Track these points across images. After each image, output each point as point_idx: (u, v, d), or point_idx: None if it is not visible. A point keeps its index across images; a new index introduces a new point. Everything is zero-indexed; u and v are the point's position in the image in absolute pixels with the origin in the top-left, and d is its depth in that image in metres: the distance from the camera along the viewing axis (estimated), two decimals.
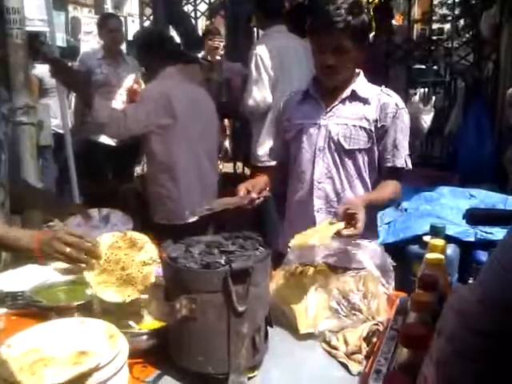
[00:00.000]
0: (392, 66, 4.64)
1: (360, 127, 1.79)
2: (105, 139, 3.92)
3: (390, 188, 1.80)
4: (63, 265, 1.68)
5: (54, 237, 1.35)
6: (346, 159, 1.82)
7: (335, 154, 1.82)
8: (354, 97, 1.81)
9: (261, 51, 3.06)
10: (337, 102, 1.82)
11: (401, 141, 1.80)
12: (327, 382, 1.23)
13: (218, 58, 4.72)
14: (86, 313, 1.36)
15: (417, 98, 4.55)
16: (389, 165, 1.81)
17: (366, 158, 1.82)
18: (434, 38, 6.69)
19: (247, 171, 5.11)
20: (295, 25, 3.36)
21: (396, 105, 1.80)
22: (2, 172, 1.62)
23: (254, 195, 1.71)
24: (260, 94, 3.07)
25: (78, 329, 1.22)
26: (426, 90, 5.33)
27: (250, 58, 3.11)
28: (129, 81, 4.12)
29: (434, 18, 7.73)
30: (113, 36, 4.07)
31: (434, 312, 0.89)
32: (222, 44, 4.90)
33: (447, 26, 11.15)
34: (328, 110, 1.83)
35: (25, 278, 1.61)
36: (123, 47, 5.13)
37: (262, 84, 3.06)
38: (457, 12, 7.04)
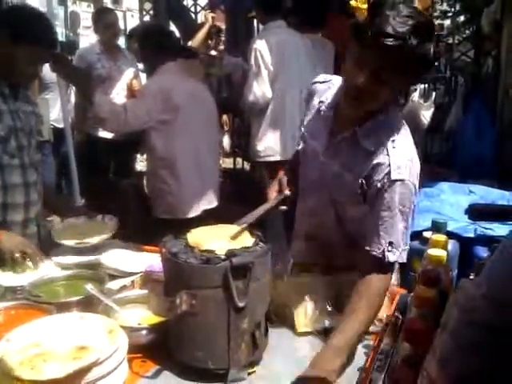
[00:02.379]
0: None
1: (347, 181, 1.42)
2: (105, 134, 3.92)
3: (360, 308, 1.27)
4: (63, 260, 1.69)
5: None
6: (333, 205, 1.51)
7: (324, 194, 1.51)
8: (355, 142, 1.41)
9: (260, 46, 3.05)
10: (339, 139, 1.45)
11: (384, 224, 1.33)
12: None
13: (214, 52, 4.69)
14: (84, 308, 1.36)
15: (417, 94, 4.52)
16: (366, 248, 1.36)
17: (353, 214, 1.47)
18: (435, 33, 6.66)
19: (247, 167, 5.12)
20: (301, 20, 3.35)
21: (388, 174, 1.33)
22: (31, 154, 1.88)
23: (287, 192, 1.57)
24: (260, 90, 3.06)
25: (78, 324, 1.22)
26: (426, 85, 5.30)
27: (250, 53, 3.11)
28: (129, 74, 4.11)
29: (434, 13, 7.70)
30: (109, 31, 4.05)
31: (436, 307, 0.89)
32: (221, 38, 4.85)
33: (447, 22, 11.14)
34: (329, 143, 1.48)
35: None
36: (122, 42, 5.11)
37: (262, 79, 3.05)
38: (457, 8, 7.01)
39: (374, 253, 1.33)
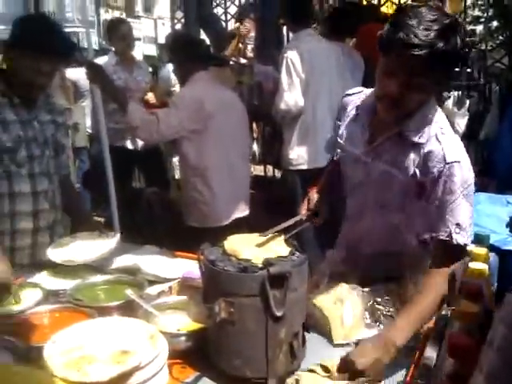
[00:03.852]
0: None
1: (396, 178, 1.44)
2: (128, 144, 3.97)
3: (431, 296, 1.32)
4: (104, 265, 1.74)
5: None
6: (380, 205, 1.51)
7: (370, 196, 1.53)
8: (401, 139, 1.43)
9: (292, 55, 3.07)
10: (382, 140, 1.47)
11: (449, 207, 1.35)
12: None
13: (244, 60, 4.72)
14: (124, 312, 1.39)
15: (451, 101, 4.46)
16: (432, 235, 1.39)
17: (403, 212, 1.48)
18: (467, 39, 6.57)
19: (277, 174, 5.12)
20: (331, 29, 3.36)
21: (443, 158, 1.36)
22: (44, 164, 1.90)
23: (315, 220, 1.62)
24: (292, 98, 3.07)
25: (119, 328, 1.25)
26: (460, 93, 5.22)
27: (281, 62, 3.12)
28: (144, 84, 4.15)
29: (466, 19, 7.59)
30: (124, 42, 4.07)
31: (480, 322, 0.88)
32: (249, 46, 4.87)
33: (480, 28, 10.95)
34: (371, 145, 1.50)
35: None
36: (154, 50, 5.18)
37: (294, 88, 3.06)
38: (490, 13, 6.89)
39: (441, 237, 1.35)
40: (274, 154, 4.54)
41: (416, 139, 1.41)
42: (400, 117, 1.41)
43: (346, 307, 1.41)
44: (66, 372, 1.06)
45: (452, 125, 3.91)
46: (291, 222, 1.53)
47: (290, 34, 5.49)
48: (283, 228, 1.44)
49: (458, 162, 1.35)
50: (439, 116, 1.44)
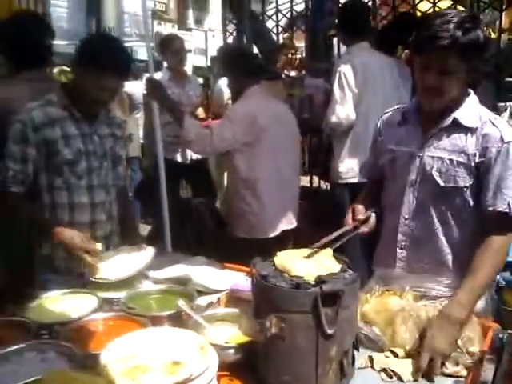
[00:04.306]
0: (480, 81, 4.44)
1: (458, 162, 1.57)
2: (178, 157, 4.04)
3: (487, 263, 1.48)
4: (156, 274, 1.78)
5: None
6: (440, 197, 1.62)
7: (427, 190, 1.63)
8: (455, 126, 1.59)
9: (344, 69, 3.05)
10: (436, 131, 1.62)
11: (506, 181, 1.52)
12: None
13: (293, 72, 4.72)
14: (175, 323, 1.42)
15: (507, 113, 4.30)
16: (489, 209, 1.53)
17: (466, 198, 1.59)
18: None
19: (323, 185, 5.08)
20: (382, 42, 3.32)
21: (501, 138, 1.53)
22: (102, 176, 1.99)
23: (360, 217, 1.68)
24: (343, 112, 3.05)
25: (171, 338, 1.27)
26: None
27: (334, 76, 3.11)
28: (195, 99, 4.22)
29: None
30: (178, 57, 4.14)
31: None
32: (297, 56, 4.86)
33: None
34: (425, 139, 1.64)
35: None
36: (204, 61, 5.27)
37: (346, 101, 3.05)
38: None
39: (500, 208, 1.51)
40: (320, 165, 4.51)
41: (471, 124, 1.57)
42: (445, 107, 1.58)
43: (398, 325, 1.38)
44: (122, 380, 1.09)
45: None
46: (338, 232, 1.55)
47: (341, 46, 5.49)
48: (331, 240, 1.47)
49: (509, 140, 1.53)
50: (483, 108, 1.63)
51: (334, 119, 3.07)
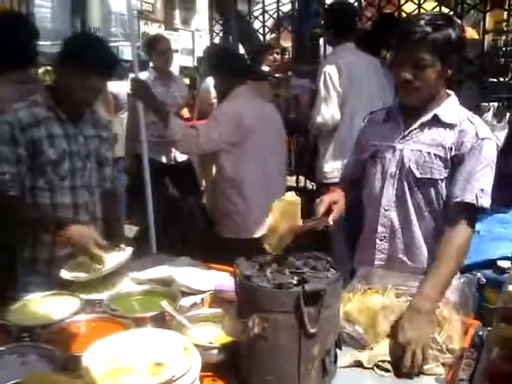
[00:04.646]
0: (464, 81, 4.48)
1: (435, 155, 1.65)
2: (163, 158, 4.01)
3: (451, 256, 1.53)
4: (139, 275, 1.77)
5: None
6: (416, 188, 1.69)
7: (405, 182, 1.70)
8: (435, 121, 1.68)
9: (329, 69, 3.07)
10: (416, 126, 1.71)
11: (476, 174, 1.59)
12: None
13: (279, 73, 4.71)
14: (158, 323, 1.41)
15: (490, 113, 4.34)
16: (457, 200, 1.59)
17: (439, 190, 1.67)
18: (509, 48, 6.38)
19: (309, 185, 5.11)
20: (366, 43, 3.34)
21: (476, 134, 1.62)
22: (86, 177, 1.96)
23: (330, 222, 1.64)
24: (328, 112, 3.07)
25: (153, 339, 1.27)
26: (500, 104, 5.07)
27: (319, 76, 3.13)
28: (180, 100, 4.19)
29: (509, 28, 7.39)
30: (164, 57, 4.12)
31: None
32: (285, 57, 4.84)
33: None
34: (406, 133, 1.72)
35: None
36: (191, 61, 5.26)
37: (331, 101, 3.06)
38: None
39: (468, 200, 1.58)
40: (305, 166, 4.53)
41: (450, 121, 1.66)
42: (424, 103, 1.67)
43: (380, 323, 1.39)
44: (104, 382, 1.08)
45: None
46: (311, 223, 1.56)
47: (328, 46, 5.52)
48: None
49: (489, 139, 1.62)
50: (463, 108, 1.73)
51: (319, 119, 3.09)
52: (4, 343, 1.28)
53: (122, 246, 1.84)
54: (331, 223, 1.63)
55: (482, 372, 0.99)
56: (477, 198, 1.57)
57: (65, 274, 1.73)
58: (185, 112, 4.13)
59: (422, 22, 1.58)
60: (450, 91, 1.72)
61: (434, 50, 1.57)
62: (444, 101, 1.69)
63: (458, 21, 1.70)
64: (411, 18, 1.66)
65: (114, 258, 1.76)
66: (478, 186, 1.58)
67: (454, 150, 1.63)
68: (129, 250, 1.82)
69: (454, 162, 1.64)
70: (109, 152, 2.10)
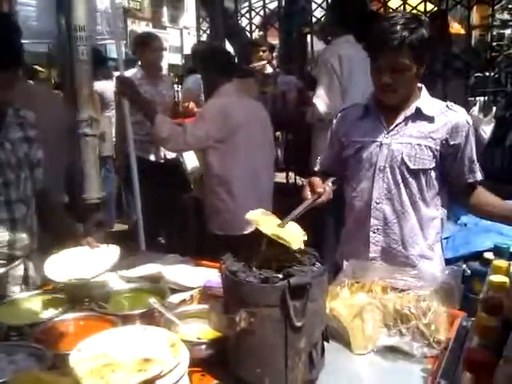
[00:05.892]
0: (450, 76, 4.53)
1: (425, 146, 1.75)
2: (151, 156, 4.00)
3: (491, 197, 1.84)
4: (127, 273, 1.78)
5: None
6: (410, 179, 1.78)
7: (397, 174, 1.78)
8: (418, 115, 1.77)
9: (332, 59, 3.01)
10: (400, 120, 1.79)
11: (473, 156, 1.79)
12: None
13: (268, 69, 4.69)
14: (147, 320, 1.42)
15: (476, 108, 4.39)
16: (469, 181, 1.80)
17: (428, 178, 1.79)
18: (494, 44, 6.44)
19: (299, 181, 5.13)
20: (360, 35, 3.32)
21: (467, 122, 1.77)
22: (21, 189, 1.72)
23: (320, 189, 1.63)
24: (332, 101, 3.00)
25: (141, 336, 1.28)
26: (486, 98, 5.13)
27: (320, 66, 3.07)
28: (168, 98, 4.17)
29: (494, 23, 7.45)
30: (156, 55, 4.09)
31: (499, 337, 0.87)
32: (266, 54, 4.80)
33: (508, 32, 10.73)
34: (391, 128, 1.79)
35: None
36: (179, 59, 5.23)
37: (334, 92, 3.01)
38: None
39: (478, 178, 1.80)
40: (295, 161, 4.54)
41: (431, 113, 1.75)
42: (403, 99, 1.76)
43: (366, 319, 1.41)
44: (91, 380, 1.09)
45: (478, 132, 3.83)
46: (300, 209, 1.54)
47: (315, 44, 5.52)
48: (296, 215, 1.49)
49: (470, 122, 1.78)
50: (434, 99, 1.84)
51: (323, 108, 3.03)
52: None
53: (110, 245, 1.79)
54: (328, 197, 1.65)
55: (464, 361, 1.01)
56: (480, 172, 1.81)
57: (52, 274, 1.66)
58: (192, 106, 4.09)
59: (398, 28, 1.63)
60: (419, 84, 1.81)
61: (411, 52, 1.65)
62: (420, 93, 1.79)
63: (426, 19, 1.79)
64: (384, 24, 1.68)
65: (102, 257, 1.74)
66: (477, 163, 1.80)
67: (449, 140, 1.75)
68: (116, 250, 1.75)
69: (450, 151, 1.76)
70: (39, 152, 1.81)
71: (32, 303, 1.57)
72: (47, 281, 1.67)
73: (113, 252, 1.75)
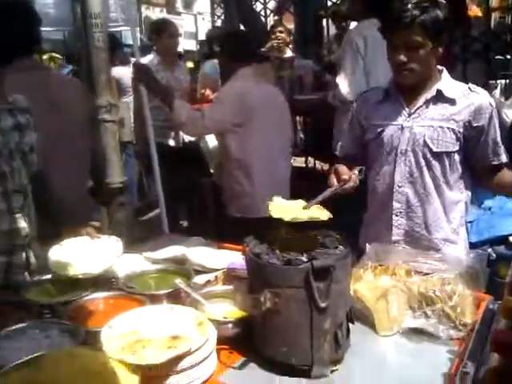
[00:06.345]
0: (470, 59, 4.46)
1: (448, 128, 1.75)
2: (170, 141, 4.02)
3: None
4: (154, 255, 1.80)
5: None
6: (433, 162, 1.79)
7: (420, 157, 1.79)
8: (439, 97, 1.77)
9: (358, 40, 2.97)
10: (421, 103, 1.79)
11: (497, 138, 1.79)
12: (409, 379, 1.23)
13: (287, 54, 4.65)
14: (173, 300, 1.45)
15: (498, 90, 4.31)
16: (494, 163, 1.80)
17: (452, 161, 1.79)
18: None
19: (318, 166, 5.11)
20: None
21: (490, 104, 1.76)
22: (16, 179, 1.68)
23: (345, 177, 1.69)
24: (355, 83, 2.94)
25: (169, 315, 1.31)
26: (508, 82, 5.02)
27: (346, 45, 3.02)
28: (185, 83, 4.17)
29: None
30: (172, 41, 4.10)
31: None
32: (285, 38, 4.74)
33: None
34: (412, 111, 1.80)
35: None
36: (194, 45, 5.21)
37: (359, 72, 2.96)
38: None
39: (502, 160, 1.80)
40: (315, 146, 4.53)
41: (452, 95, 1.75)
42: (424, 81, 1.76)
43: (390, 301, 1.42)
44: (123, 355, 1.13)
45: (500, 115, 3.78)
46: (325, 194, 1.56)
47: (330, 27, 5.46)
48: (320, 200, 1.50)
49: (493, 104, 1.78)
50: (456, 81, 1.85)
51: (345, 90, 2.98)
52: (26, 320, 1.31)
53: (113, 237, 1.76)
54: (354, 185, 1.68)
55: (491, 344, 1.02)
56: (505, 154, 1.81)
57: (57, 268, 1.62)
58: (208, 93, 4.10)
59: (409, 6, 1.66)
60: (440, 66, 1.81)
61: (424, 31, 1.66)
62: (441, 75, 1.79)
63: (443, 1, 1.75)
64: (396, 4, 1.70)
65: (105, 249, 1.70)
66: (501, 146, 1.80)
67: (472, 122, 1.75)
68: (118, 242, 1.72)
69: (473, 133, 1.76)
70: (32, 138, 1.74)
71: (58, 284, 1.58)
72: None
73: (114, 244, 1.72)
